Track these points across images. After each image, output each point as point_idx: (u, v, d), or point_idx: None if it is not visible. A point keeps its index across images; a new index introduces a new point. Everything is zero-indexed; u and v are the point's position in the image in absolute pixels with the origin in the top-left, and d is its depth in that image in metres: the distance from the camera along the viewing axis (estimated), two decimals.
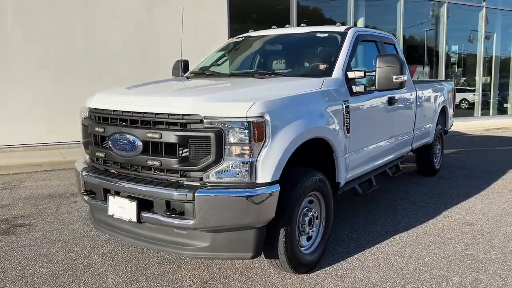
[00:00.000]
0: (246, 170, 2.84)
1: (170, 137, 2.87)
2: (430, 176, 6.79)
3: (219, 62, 4.74)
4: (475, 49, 15.96)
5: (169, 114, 2.93)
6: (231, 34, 10.27)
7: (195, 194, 2.80)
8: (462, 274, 3.42)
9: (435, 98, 6.41)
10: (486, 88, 16.25)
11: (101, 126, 3.23)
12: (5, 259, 3.68)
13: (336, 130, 3.59)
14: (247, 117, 2.80)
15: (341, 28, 4.42)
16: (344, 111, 3.71)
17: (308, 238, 3.48)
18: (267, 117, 2.85)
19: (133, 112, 3.10)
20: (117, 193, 3.20)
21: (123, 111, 3.15)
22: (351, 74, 3.90)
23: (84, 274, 3.41)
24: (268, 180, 2.88)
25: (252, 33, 4.98)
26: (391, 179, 5.82)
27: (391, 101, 4.62)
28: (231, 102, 2.91)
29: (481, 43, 15.55)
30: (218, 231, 2.93)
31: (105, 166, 3.35)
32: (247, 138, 2.80)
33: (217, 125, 2.82)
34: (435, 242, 4.06)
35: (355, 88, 3.87)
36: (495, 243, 4.06)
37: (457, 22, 14.73)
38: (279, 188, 2.92)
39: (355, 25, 12.19)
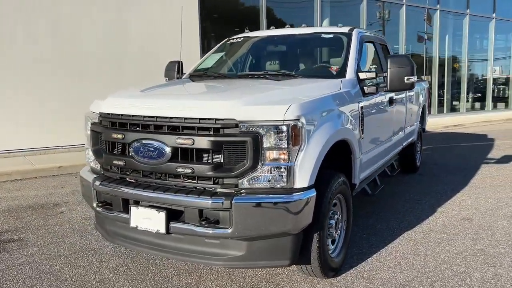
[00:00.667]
0: (283, 175, 2.74)
1: (204, 143, 2.72)
2: (412, 173, 6.97)
3: (220, 64, 4.59)
4: (421, 49, 16.62)
5: (200, 119, 2.78)
6: (202, 34, 10.11)
7: (232, 202, 2.68)
8: (481, 269, 3.50)
9: (418, 97, 6.58)
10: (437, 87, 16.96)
11: (120, 132, 3.01)
12: (6, 279, 3.37)
13: (355, 131, 3.58)
14: (284, 120, 2.71)
15: (345, 29, 4.42)
16: (359, 112, 3.71)
17: (333, 241, 3.44)
18: (303, 120, 2.78)
19: (158, 117, 2.91)
20: (138, 203, 3.01)
21: (145, 116, 2.96)
22: (362, 75, 3.90)
23: None
24: (306, 185, 2.81)
25: (250, 34, 4.87)
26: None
27: (391, 101, 4.68)
28: (267, 105, 2.80)
29: (436, 44, 16.24)
30: (254, 239, 2.82)
31: (122, 174, 3.13)
32: (285, 142, 2.71)
33: (254, 129, 2.71)
34: (443, 239, 4.14)
35: (367, 89, 3.87)
36: (498, 237, 4.20)
37: (408, 23, 15.16)
38: (316, 193, 2.86)
39: (321, 25, 12.36)
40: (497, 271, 3.47)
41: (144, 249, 3.17)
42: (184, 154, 2.83)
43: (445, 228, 4.45)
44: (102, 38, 8.92)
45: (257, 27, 11.26)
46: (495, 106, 19.94)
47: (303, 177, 2.79)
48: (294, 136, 2.72)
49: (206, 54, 4.77)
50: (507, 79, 21.04)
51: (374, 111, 4.13)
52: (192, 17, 9.98)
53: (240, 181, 2.75)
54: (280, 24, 11.80)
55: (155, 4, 9.48)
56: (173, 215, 2.88)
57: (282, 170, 2.74)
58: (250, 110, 2.75)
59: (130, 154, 2.99)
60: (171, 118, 2.87)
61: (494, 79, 19.80)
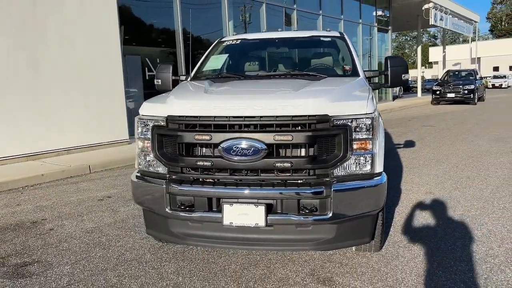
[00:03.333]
0: (368, 162, 3.13)
1: (302, 138, 2.96)
2: None
3: (229, 65, 4.70)
4: None
5: (293, 116, 3.01)
6: (123, 35, 9.76)
7: (332, 189, 2.99)
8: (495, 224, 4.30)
9: None
10: None
11: (206, 133, 3.06)
12: None
13: None
14: (366, 113, 3.10)
15: (335, 33, 4.93)
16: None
17: None
18: (376, 113, 3.20)
19: (246, 117, 3.04)
20: (219, 200, 3.13)
21: (231, 116, 3.06)
22: (368, 74, 4.44)
23: None
24: (381, 170, 3.24)
25: (248, 36, 5.06)
26: None
27: None
28: (351, 101, 3.16)
29: None
30: (344, 221, 3.15)
31: (204, 175, 3.17)
32: (370, 132, 3.10)
33: (343, 123, 3.05)
34: (434, 209, 4.92)
35: (373, 86, 4.43)
36: (473, 202, 5.14)
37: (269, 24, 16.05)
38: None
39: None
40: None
41: (229, 245, 3.27)
42: (278, 150, 3.04)
43: (423, 202, 5.26)
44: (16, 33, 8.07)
45: (172, 27, 11.25)
46: None
47: (380, 163, 3.22)
48: (374, 127, 3.13)
49: (203, 56, 4.82)
50: None
51: None
52: (111, 17, 9.56)
53: (332, 170, 3.07)
54: (192, 23, 11.91)
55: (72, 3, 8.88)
56: (268, 208, 3.07)
57: (367, 157, 3.12)
58: (339, 105, 3.08)
59: (219, 154, 3.06)
60: (261, 117, 3.03)
61: None
